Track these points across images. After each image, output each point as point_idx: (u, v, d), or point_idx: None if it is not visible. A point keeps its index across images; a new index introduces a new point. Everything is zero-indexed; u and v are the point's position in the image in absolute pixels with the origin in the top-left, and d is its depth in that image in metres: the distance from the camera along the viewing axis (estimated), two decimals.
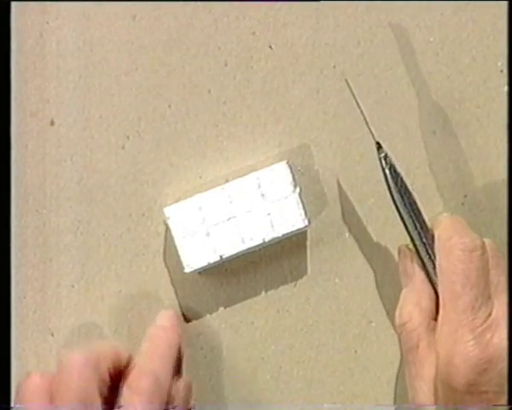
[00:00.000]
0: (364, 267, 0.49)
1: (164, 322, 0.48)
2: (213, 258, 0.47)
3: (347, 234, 0.49)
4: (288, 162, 0.47)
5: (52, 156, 0.50)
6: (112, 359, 0.45)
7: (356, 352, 0.49)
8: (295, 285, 0.49)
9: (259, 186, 0.47)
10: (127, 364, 0.46)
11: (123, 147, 0.50)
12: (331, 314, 0.49)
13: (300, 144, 0.49)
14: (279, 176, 0.47)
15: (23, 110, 0.50)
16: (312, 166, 0.49)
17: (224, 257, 0.47)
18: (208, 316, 0.50)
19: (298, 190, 0.47)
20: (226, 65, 0.50)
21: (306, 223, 0.47)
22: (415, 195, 0.45)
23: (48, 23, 0.50)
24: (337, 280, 0.49)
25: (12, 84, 0.50)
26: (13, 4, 0.50)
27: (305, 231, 0.49)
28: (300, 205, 0.47)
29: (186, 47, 0.50)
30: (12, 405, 0.45)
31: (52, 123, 0.50)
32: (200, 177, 0.50)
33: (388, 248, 0.49)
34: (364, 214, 0.49)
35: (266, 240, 0.47)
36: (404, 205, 0.45)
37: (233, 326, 0.50)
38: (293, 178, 0.47)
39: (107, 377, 0.44)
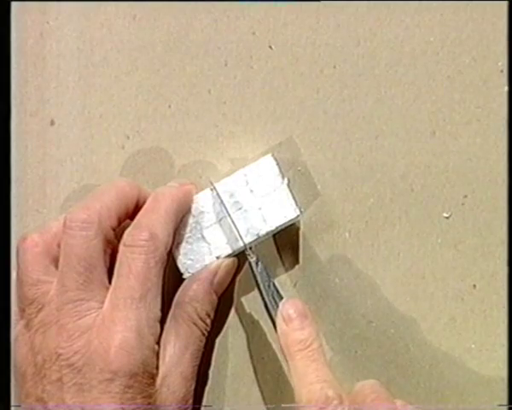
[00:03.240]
0: (364, 267, 0.49)
1: (173, 184, 0.47)
2: (209, 259, 0.47)
3: (347, 234, 0.49)
4: (273, 155, 0.47)
5: (52, 156, 0.50)
6: (119, 209, 0.45)
7: (356, 352, 0.49)
8: (295, 285, 0.49)
9: (247, 183, 0.47)
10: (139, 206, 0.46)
11: (123, 147, 0.50)
12: (331, 314, 0.49)
13: (300, 144, 0.49)
14: (266, 170, 0.47)
15: (23, 110, 0.50)
16: (313, 166, 0.49)
17: (220, 258, 0.47)
18: None
19: (286, 181, 0.47)
20: (226, 65, 0.50)
21: (298, 213, 0.47)
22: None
23: (48, 23, 0.50)
24: (337, 280, 0.49)
25: (12, 84, 0.50)
26: (13, 4, 0.50)
27: (306, 231, 0.49)
28: (290, 195, 0.47)
29: (186, 47, 0.50)
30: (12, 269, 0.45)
31: (52, 123, 0.50)
32: (201, 177, 0.50)
33: (388, 248, 0.49)
34: (364, 214, 0.49)
35: (260, 235, 0.47)
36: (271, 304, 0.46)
37: (233, 326, 0.50)
38: (280, 170, 0.47)
39: (111, 235, 0.45)
